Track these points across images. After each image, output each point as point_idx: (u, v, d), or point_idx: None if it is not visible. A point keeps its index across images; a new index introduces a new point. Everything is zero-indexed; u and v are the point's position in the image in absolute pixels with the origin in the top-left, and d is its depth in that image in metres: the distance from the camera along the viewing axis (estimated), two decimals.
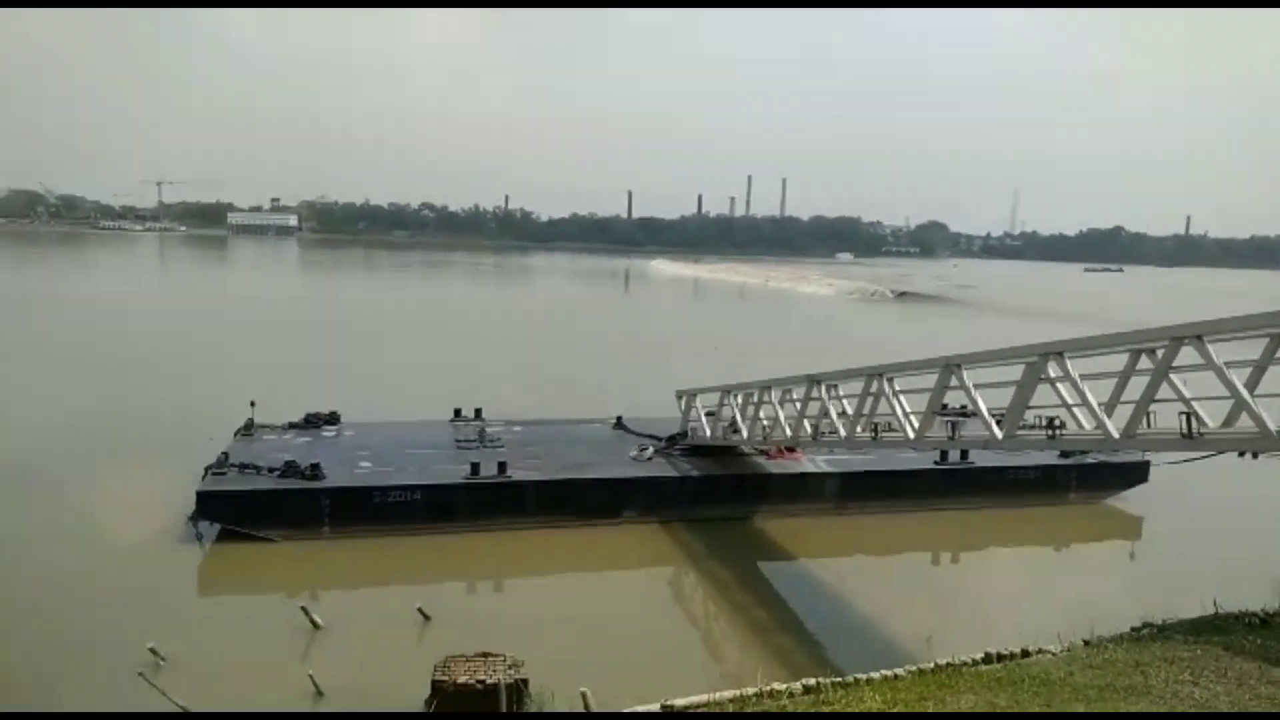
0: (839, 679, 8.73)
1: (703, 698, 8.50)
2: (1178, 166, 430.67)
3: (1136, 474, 22.84)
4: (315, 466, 18.79)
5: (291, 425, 22.97)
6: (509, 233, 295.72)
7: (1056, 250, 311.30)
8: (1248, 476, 22.90)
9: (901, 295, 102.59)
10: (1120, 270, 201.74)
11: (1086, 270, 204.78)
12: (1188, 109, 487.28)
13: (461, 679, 11.65)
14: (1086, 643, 9.49)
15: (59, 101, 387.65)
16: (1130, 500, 22.64)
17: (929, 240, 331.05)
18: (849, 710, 7.85)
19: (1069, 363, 12.34)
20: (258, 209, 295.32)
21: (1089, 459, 23.24)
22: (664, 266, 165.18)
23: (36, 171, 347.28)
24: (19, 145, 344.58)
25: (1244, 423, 10.59)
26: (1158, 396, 11.13)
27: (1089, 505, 22.53)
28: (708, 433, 21.89)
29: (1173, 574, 14.96)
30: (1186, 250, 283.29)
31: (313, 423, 23.21)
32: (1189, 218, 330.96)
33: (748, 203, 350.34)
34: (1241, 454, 10.68)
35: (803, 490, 21.18)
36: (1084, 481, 22.89)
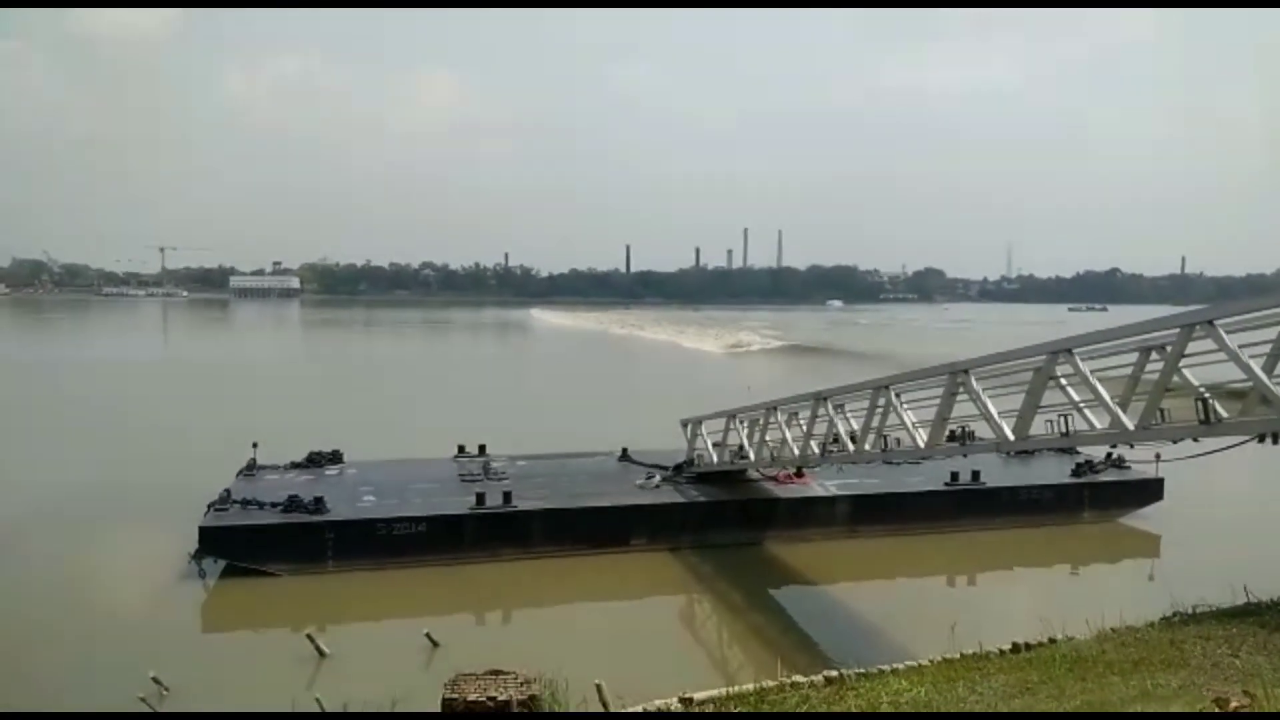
0: (861, 670, 8.44)
1: (721, 691, 8.21)
2: (1176, 207, 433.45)
3: (1152, 491, 22.53)
4: (319, 501, 18.54)
5: (294, 465, 22.76)
6: (509, 289, 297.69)
7: (1052, 293, 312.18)
8: (1266, 481, 22.87)
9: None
10: (1105, 309, 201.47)
11: (1070, 310, 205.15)
12: (1187, 151, 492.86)
13: (472, 696, 11.35)
14: (1115, 630, 9.21)
15: (62, 172, 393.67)
16: (1146, 518, 22.28)
17: (926, 286, 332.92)
18: (872, 700, 7.57)
19: (1079, 360, 12.20)
20: (260, 272, 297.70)
21: (1103, 478, 23.02)
22: (541, 315, 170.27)
23: (40, 241, 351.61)
24: (23, 216, 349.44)
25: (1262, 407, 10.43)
26: (1168, 390, 11.01)
27: (1104, 524, 22.16)
28: (714, 459, 21.63)
29: (1196, 581, 14.48)
30: (1182, 289, 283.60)
31: (315, 462, 23.00)
32: (1184, 258, 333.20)
33: (745, 254, 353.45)
34: (1261, 439, 10.44)
35: (813, 515, 20.89)
36: (1098, 500, 22.58)
